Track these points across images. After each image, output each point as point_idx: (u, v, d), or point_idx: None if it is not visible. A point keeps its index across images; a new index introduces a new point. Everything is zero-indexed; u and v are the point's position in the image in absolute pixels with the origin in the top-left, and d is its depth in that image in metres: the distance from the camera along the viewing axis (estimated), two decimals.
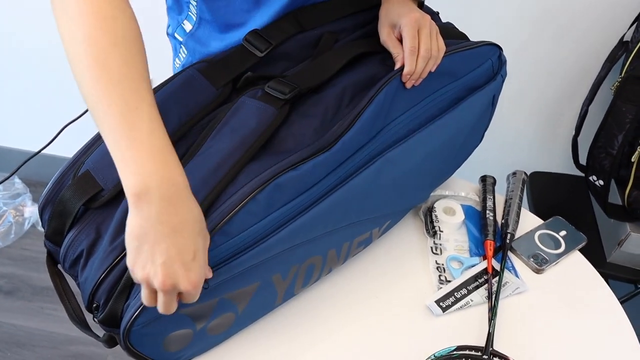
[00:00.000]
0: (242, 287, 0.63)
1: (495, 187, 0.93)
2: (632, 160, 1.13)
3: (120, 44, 0.50)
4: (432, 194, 0.88)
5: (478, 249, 0.84)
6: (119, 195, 0.59)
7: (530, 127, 1.47)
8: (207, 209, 0.56)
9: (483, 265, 0.81)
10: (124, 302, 0.57)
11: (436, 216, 0.86)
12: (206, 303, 0.61)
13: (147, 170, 0.48)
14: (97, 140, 0.64)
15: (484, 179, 0.94)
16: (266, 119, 0.61)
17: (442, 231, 0.85)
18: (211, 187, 0.57)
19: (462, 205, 0.89)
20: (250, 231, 0.58)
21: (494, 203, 0.89)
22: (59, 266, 0.65)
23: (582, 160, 1.30)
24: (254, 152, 0.60)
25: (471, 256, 0.83)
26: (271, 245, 0.60)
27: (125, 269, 0.56)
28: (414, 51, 0.65)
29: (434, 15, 0.80)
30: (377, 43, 0.70)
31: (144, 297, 0.51)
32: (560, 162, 1.52)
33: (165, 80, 0.67)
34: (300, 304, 0.74)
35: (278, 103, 0.62)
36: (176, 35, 0.80)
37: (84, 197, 0.59)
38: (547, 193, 1.41)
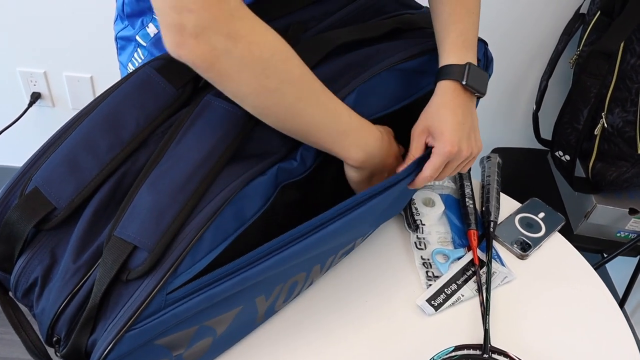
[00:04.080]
0: (224, 313, 0.57)
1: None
2: (595, 133, 1.13)
3: (286, 77, 0.53)
4: None
5: (461, 240, 0.82)
6: (73, 213, 0.53)
7: (491, 104, 1.46)
8: (178, 229, 0.51)
9: (469, 257, 0.78)
10: (88, 334, 0.51)
11: (416, 209, 0.83)
12: (185, 331, 0.55)
13: (362, 145, 0.60)
14: (45, 152, 0.57)
15: None
16: (236, 123, 0.55)
17: (424, 224, 0.82)
18: (182, 204, 0.51)
19: (441, 195, 0.86)
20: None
21: (472, 190, 0.87)
22: (10, 294, 0.58)
23: (543, 134, 1.31)
24: (225, 162, 0.54)
25: (455, 247, 0.80)
26: (261, 270, 0.55)
27: (88, 296, 0.50)
28: (430, 180, 0.64)
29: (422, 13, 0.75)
30: (355, 31, 0.65)
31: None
32: (519, 137, 1.53)
33: (118, 82, 0.60)
34: (285, 319, 0.69)
35: None
36: (138, 38, 0.72)
37: (35, 218, 0.53)
38: (509, 169, 1.41)
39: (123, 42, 0.75)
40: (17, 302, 0.58)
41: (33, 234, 0.54)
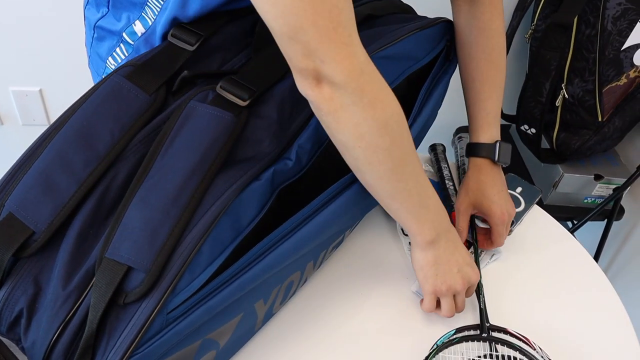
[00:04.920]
0: (226, 323, 0.56)
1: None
2: (557, 104, 1.16)
3: (397, 139, 0.55)
4: None
5: None
6: (55, 237, 0.50)
7: (453, 84, 1.47)
8: (174, 246, 0.48)
9: None
10: None
11: None
12: (188, 347, 0.53)
13: (437, 223, 0.62)
14: (15, 175, 0.53)
15: (433, 148, 0.91)
16: (225, 128, 0.53)
17: None
18: (176, 219, 0.49)
19: None
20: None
21: (450, 171, 0.87)
22: None
23: (504, 109, 1.33)
24: (217, 170, 0.52)
25: None
26: (256, 273, 0.53)
27: (83, 324, 0.47)
28: (498, 245, 0.75)
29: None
30: None
31: (445, 309, 0.66)
32: None
33: (86, 94, 0.57)
34: (283, 320, 0.68)
35: (236, 109, 0.54)
36: (124, 35, 0.68)
37: (13, 246, 0.50)
38: None
39: (103, 33, 0.71)
40: (2, 337, 0.54)
41: (12, 262, 0.51)
